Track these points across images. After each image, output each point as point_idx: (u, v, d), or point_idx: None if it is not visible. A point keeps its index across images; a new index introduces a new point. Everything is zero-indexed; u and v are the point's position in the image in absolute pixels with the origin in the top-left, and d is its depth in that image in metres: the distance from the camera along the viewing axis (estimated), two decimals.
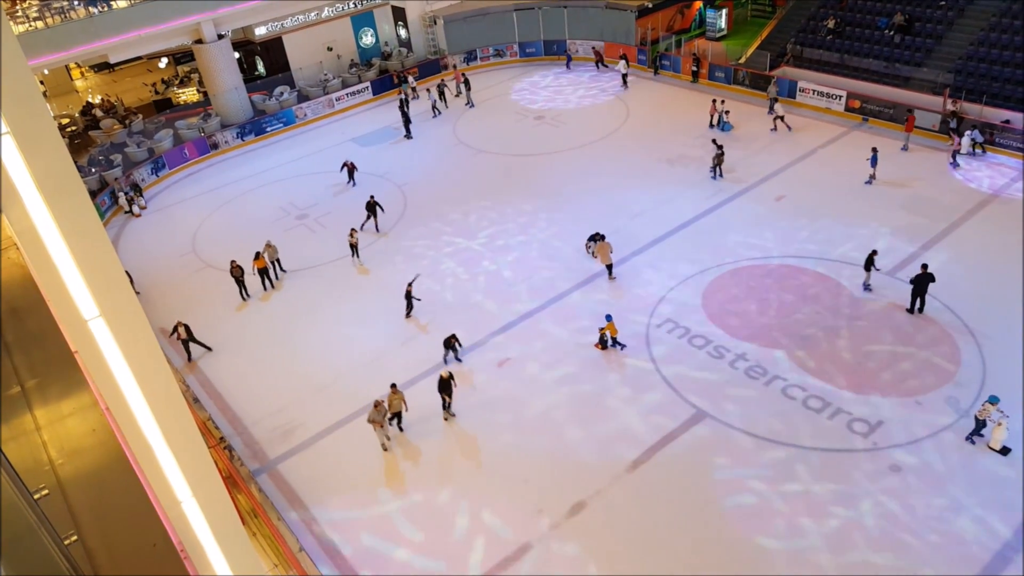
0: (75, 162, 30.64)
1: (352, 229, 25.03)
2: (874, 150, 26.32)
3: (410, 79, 38.22)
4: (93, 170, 31.96)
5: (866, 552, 14.19)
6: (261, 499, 16.13)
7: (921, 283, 19.57)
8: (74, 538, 5.83)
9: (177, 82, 44.89)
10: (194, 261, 26.57)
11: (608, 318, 19.96)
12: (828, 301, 20.94)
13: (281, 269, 24.67)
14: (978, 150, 27.24)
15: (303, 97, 38.21)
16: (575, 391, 18.84)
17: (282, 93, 38.17)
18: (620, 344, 19.89)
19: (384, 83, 39.24)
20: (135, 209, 30.23)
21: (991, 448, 15.82)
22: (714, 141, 28.14)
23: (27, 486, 5.21)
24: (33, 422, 7.05)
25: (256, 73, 41.41)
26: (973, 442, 16.05)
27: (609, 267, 22.81)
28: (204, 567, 7.83)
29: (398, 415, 17.81)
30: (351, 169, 30.32)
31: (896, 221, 24.04)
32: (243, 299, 23.73)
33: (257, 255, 23.75)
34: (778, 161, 28.47)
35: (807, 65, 34.26)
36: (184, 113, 38.87)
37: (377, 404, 17.05)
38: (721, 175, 27.57)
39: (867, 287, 20.95)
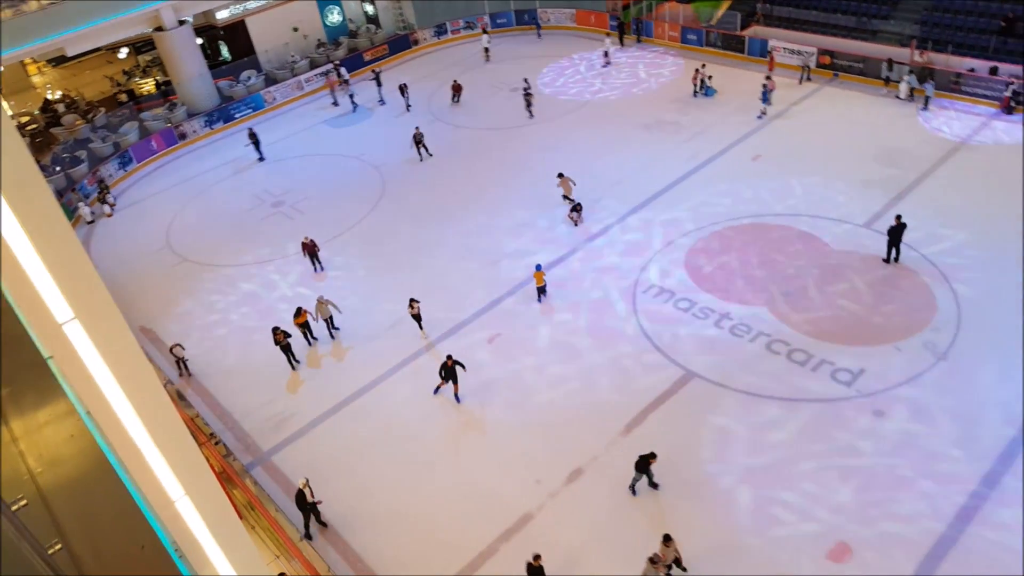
0: (38, 161, 30.15)
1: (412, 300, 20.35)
2: (764, 87, 28.07)
3: (342, 71, 36.66)
4: (58, 168, 31.22)
5: (853, 494, 14.50)
6: (257, 492, 16.13)
7: (896, 233, 19.79)
8: (58, 546, 5.77)
9: (139, 72, 43.87)
10: (169, 256, 26.22)
11: (538, 267, 20.58)
12: (807, 256, 21.12)
13: (334, 327, 20.82)
14: (921, 98, 27.46)
15: (271, 80, 37.54)
16: (564, 359, 18.95)
17: (249, 78, 37.46)
18: (543, 290, 20.65)
19: (355, 61, 38.55)
20: (105, 208, 29.61)
21: None
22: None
23: (4, 498, 5.12)
24: (9, 433, 6.94)
25: (221, 59, 40.59)
26: None
27: (572, 203, 23.62)
28: (202, 565, 7.82)
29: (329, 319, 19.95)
30: (254, 139, 30.31)
31: (869, 174, 24.19)
32: (292, 368, 19.97)
33: (299, 311, 20.21)
34: (754, 121, 28.47)
35: (778, 24, 34.10)
36: (149, 104, 38.06)
37: None
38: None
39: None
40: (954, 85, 27.91)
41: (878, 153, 25.25)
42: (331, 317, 20.51)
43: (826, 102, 29.29)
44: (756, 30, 34.44)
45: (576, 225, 23.88)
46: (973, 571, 13.03)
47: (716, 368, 17.94)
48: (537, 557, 13.39)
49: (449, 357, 17.58)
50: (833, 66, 30.94)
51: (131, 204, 30.32)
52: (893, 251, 20.10)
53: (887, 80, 29.06)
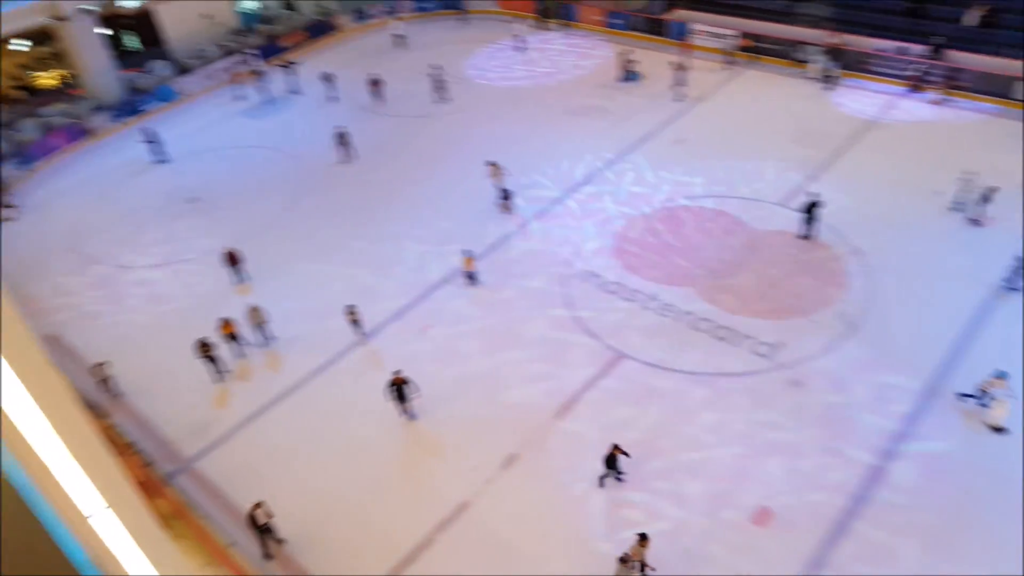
0: None
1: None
2: (679, 71, 29.04)
3: (256, 60, 35.30)
4: None
5: (778, 459, 15.12)
6: (181, 500, 15.58)
7: (810, 210, 20.59)
8: None
9: (40, 66, 41.25)
10: (79, 259, 24.88)
11: (466, 253, 20.83)
12: (729, 236, 21.77)
13: (266, 336, 19.75)
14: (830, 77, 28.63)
15: (182, 71, 35.96)
16: (496, 345, 19.00)
17: (158, 69, 35.78)
18: (473, 276, 20.76)
19: (272, 49, 37.31)
20: (5, 212, 27.75)
21: (988, 424, 15.21)
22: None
23: None
24: None
25: (127, 48, 38.59)
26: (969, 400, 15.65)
27: (502, 191, 23.68)
28: None
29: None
30: (152, 139, 29.21)
31: (787, 154, 25.07)
32: (220, 379, 19.00)
33: (225, 321, 19.24)
34: (677, 105, 29.04)
35: (701, 7, 34.72)
36: (50, 99, 35.86)
37: None
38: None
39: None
40: (864, 65, 29.14)
41: (795, 134, 26.16)
42: (263, 324, 19.66)
43: (747, 85, 30.12)
44: (678, 14, 35.05)
45: (507, 212, 23.88)
46: (885, 533, 13.77)
47: (646, 348, 18.31)
48: (397, 373, 15.64)
49: (397, 375, 16.68)
50: (754, 49, 31.76)
51: (36, 206, 28.60)
52: (808, 227, 20.91)
53: (802, 62, 30.08)
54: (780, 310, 18.90)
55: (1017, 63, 26.20)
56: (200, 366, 18.89)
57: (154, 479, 15.97)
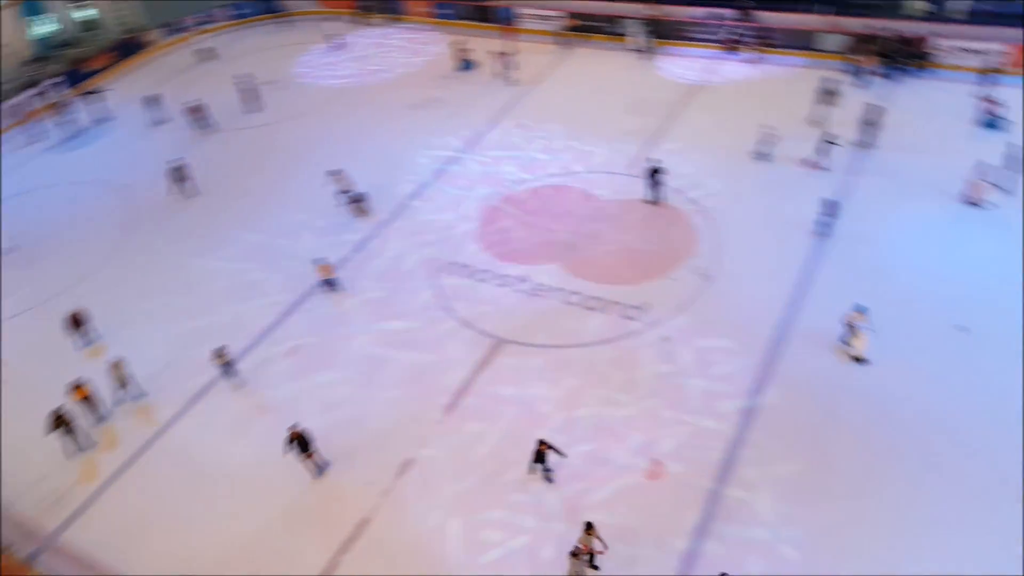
0: None
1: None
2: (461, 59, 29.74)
3: (61, 89, 32.50)
4: None
5: (666, 409, 15.86)
6: None
7: (654, 175, 21.62)
8: None
9: None
10: None
11: (320, 260, 20.29)
12: (584, 210, 22.46)
13: (132, 392, 17.93)
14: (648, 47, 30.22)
15: None
16: (372, 349, 18.57)
17: None
18: (333, 283, 20.29)
19: (76, 75, 34.03)
20: None
21: (851, 355, 16.33)
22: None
23: None
24: None
25: None
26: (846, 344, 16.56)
27: (352, 196, 23.13)
28: None
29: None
30: None
31: (624, 125, 26.14)
32: (79, 449, 16.90)
33: (77, 385, 17.16)
34: (517, 92, 29.46)
35: None
36: None
37: None
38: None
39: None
40: (683, 33, 30.85)
41: (628, 105, 27.33)
42: (126, 380, 17.80)
43: (577, 63, 31.11)
44: None
45: (362, 215, 23.30)
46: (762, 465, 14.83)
47: (523, 330, 18.56)
48: (293, 427, 14.75)
49: (293, 429, 15.22)
50: (581, 28, 32.73)
51: None
52: (654, 192, 21.95)
53: (623, 36, 31.36)
54: (641, 273, 19.76)
55: (819, 18, 28.67)
56: (53, 439, 16.90)
57: (13, 564, 14.27)
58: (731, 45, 29.78)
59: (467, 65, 31.27)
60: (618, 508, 14.21)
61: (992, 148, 21.52)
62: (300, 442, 15.25)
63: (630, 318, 18.43)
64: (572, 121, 26.88)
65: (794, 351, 16.97)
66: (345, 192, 23.36)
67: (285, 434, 15.25)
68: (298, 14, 38.45)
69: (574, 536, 13.10)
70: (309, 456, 15.33)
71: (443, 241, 21.98)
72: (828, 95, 24.75)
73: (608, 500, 14.44)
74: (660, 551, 13.53)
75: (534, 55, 31.51)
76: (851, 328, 16.18)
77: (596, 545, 12.76)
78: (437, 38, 34.60)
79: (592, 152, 25.01)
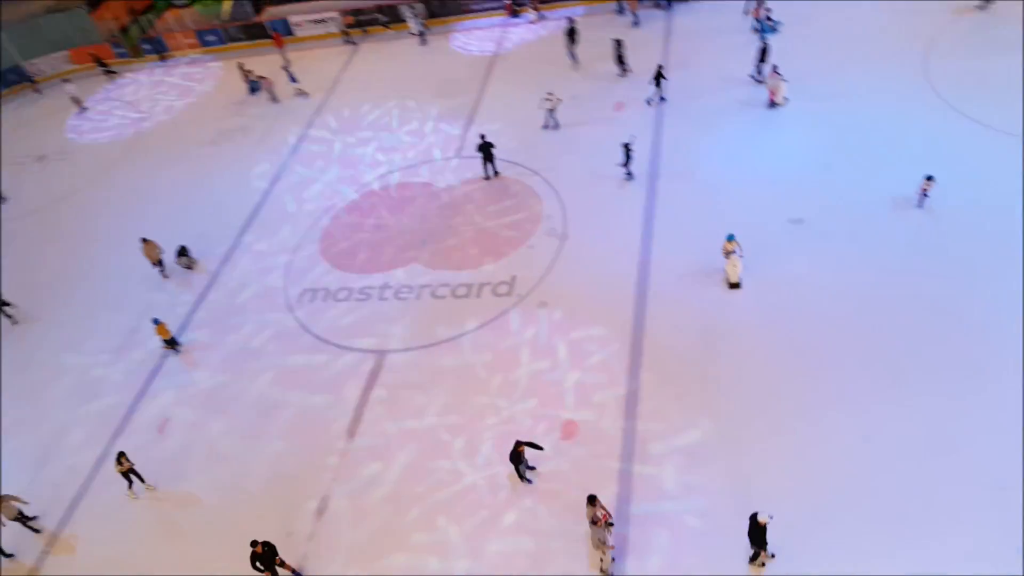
0: None
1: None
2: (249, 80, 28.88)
3: None
4: None
5: (549, 371, 16.25)
6: None
7: (485, 151, 21.80)
8: None
9: None
10: None
11: (155, 321, 18.92)
12: (426, 202, 22.23)
13: (30, 522, 15.89)
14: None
15: None
16: (251, 404, 17.49)
17: None
18: (173, 342, 19.11)
19: None
20: None
21: (728, 282, 16.98)
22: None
23: None
24: None
25: None
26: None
27: (159, 263, 21.40)
28: None
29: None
30: None
31: (439, 109, 26.09)
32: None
33: None
34: (316, 100, 28.46)
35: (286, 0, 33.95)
36: None
37: None
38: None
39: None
40: (465, 7, 31.03)
41: (436, 88, 27.21)
42: (21, 513, 15.59)
43: (368, 59, 30.49)
44: (271, 12, 33.98)
45: (190, 269, 21.62)
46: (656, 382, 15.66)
47: (402, 336, 18.20)
48: (255, 544, 13.19)
49: (256, 545, 13.31)
50: (359, 23, 31.99)
51: None
52: (489, 167, 22.16)
53: (403, 22, 30.86)
54: (499, 249, 19.94)
55: None
56: None
57: None
58: (511, 9, 30.39)
59: (256, 86, 29.66)
60: (522, 534, 13.84)
61: (773, 51, 23.11)
62: (265, 557, 13.31)
63: (502, 295, 18.56)
64: (384, 116, 26.40)
65: (659, 289, 17.70)
66: (157, 263, 21.47)
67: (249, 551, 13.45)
68: (49, 79, 34.35)
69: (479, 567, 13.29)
70: (281, 565, 13.61)
71: (289, 271, 20.91)
72: (570, 35, 25.75)
73: (515, 523, 14.04)
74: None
75: (324, 61, 30.53)
76: (727, 256, 16.66)
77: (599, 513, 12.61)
78: (215, 66, 32.52)
79: (415, 143, 24.74)
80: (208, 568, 14.38)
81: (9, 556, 15.56)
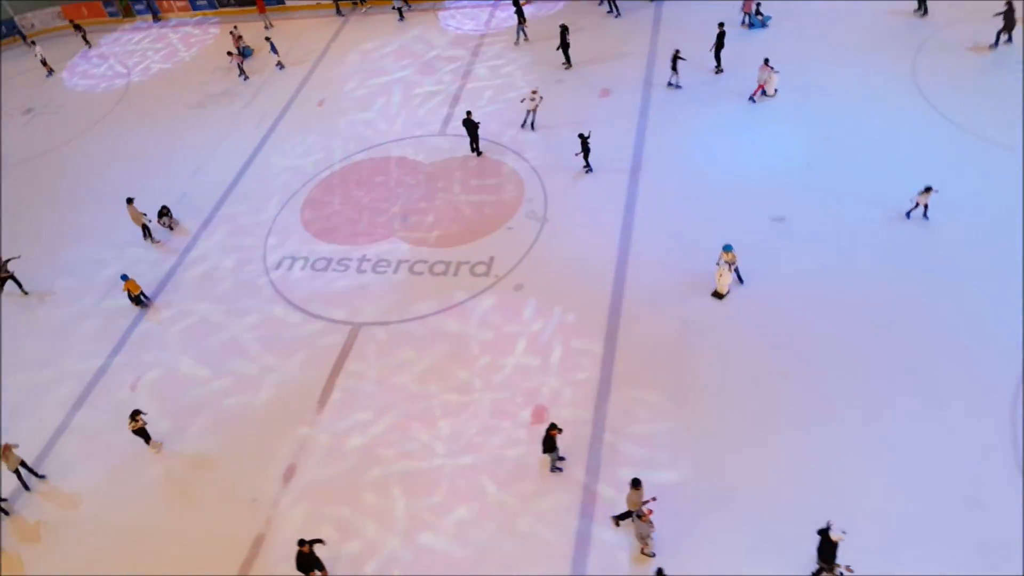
0: None
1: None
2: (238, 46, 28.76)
3: None
4: None
5: (534, 358, 16.54)
6: None
7: (470, 128, 21.91)
8: None
9: None
10: None
11: (123, 277, 19.24)
12: (408, 178, 22.33)
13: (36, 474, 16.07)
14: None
15: None
16: (229, 364, 17.67)
17: None
18: (142, 298, 19.41)
19: None
20: None
21: (716, 292, 16.81)
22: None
23: None
24: None
25: None
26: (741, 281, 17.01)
27: (144, 228, 21.38)
28: None
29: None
30: None
31: (424, 86, 26.07)
32: None
33: None
34: (303, 70, 28.33)
35: None
36: None
37: None
38: None
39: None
40: None
41: (422, 66, 27.20)
42: (23, 462, 15.72)
43: (359, 32, 30.32)
44: None
45: (171, 230, 21.68)
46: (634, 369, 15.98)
47: (378, 310, 18.38)
48: (554, 427, 13.62)
49: (304, 544, 12.91)
50: None
51: None
52: (473, 144, 22.28)
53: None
54: (479, 229, 20.12)
55: None
56: None
57: None
58: None
59: (246, 52, 29.49)
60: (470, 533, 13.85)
61: (762, 45, 23.56)
62: (310, 560, 12.95)
63: (479, 275, 18.78)
64: (371, 91, 26.37)
65: (637, 280, 17.80)
66: (144, 227, 21.49)
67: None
68: (42, 32, 33.97)
69: (402, 554, 13.42)
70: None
71: (269, 238, 21.02)
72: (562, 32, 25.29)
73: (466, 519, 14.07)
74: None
75: (313, 31, 30.39)
76: (719, 266, 16.48)
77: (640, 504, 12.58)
78: (213, 31, 32.26)
79: (402, 117, 24.76)
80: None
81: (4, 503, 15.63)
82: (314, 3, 32.20)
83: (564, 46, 24.81)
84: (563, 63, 25.14)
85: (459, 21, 29.63)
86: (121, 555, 14.56)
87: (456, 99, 25.11)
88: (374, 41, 29.40)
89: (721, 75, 23.43)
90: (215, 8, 33.33)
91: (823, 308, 16.29)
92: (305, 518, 14.45)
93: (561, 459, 14.34)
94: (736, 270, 16.68)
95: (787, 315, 16.31)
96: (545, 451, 13.97)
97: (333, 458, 15.38)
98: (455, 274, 18.94)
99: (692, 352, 15.99)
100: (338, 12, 31.50)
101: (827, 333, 15.76)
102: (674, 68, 23.02)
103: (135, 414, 15.69)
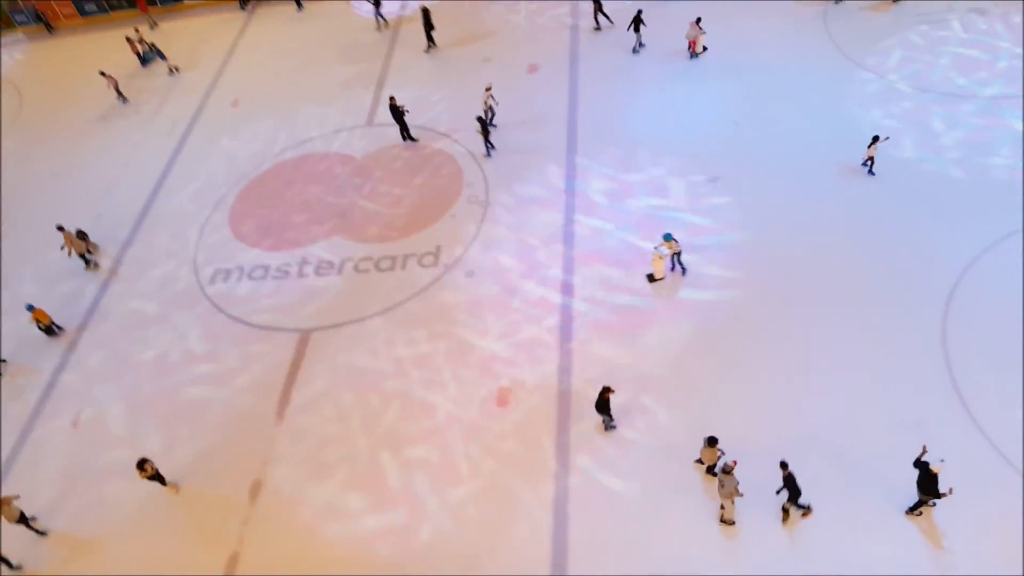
0: None
1: None
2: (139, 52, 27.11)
3: None
4: None
5: (500, 335, 16.26)
6: None
7: (396, 114, 21.16)
8: None
9: None
10: None
11: (29, 308, 18.01)
12: (341, 173, 21.52)
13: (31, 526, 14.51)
14: None
15: None
16: (183, 380, 16.74)
17: None
18: (51, 328, 18.35)
19: None
20: None
21: (651, 275, 16.82)
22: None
23: None
24: None
25: None
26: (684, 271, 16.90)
27: (83, 256, 19.88)
28: None
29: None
30: None
31: (344, 75, 25.17)
32: None
33: None
34: (211, 70, 26.94)
35: None
36: None
37: None
38: None
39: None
40: None
41: (338, 54, 26.25)
42: (23, 515, 14.23)
43: (264, 26, 29.03)
44: None
45: (91, 255, 20.24)
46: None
47: (324, 312, 17.71)
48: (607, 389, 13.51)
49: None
50: None
51: None
52: (404, 132, 21.62)
53: None
54: (421, 219, 19.57)
55: None
56: None
57: None
58: None
59: (147, 57, 27.80)
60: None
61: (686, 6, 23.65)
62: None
63: (427, 266, 18.28)
64: (289, 86, 25.28)
65: (586, 252, 17.90)
66: (84, 255, 20.01)
67: None
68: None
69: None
70: None
71: (197, 252, 19.93)
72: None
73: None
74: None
75: (218, 27, 28.92)
76: (656, 250, 16.41)
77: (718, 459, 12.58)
78: (100, 37, 30.24)
79: (327, 112, 23.83)
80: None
81: (16, 568, 14.25)
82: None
83: (427, 27, 24.28)
84: (427, 46, 24.60)
85: (371, 9, 28.60)
86: None
87: (380, 86, 24.32)
88: (283, 33, 28.20)
89: (644, 48, 23.43)
90: (107, 13, 31.22)
91: (764, 257, 16.77)
92: (274, 529, 13.91)
93: (612, 421, 14.14)
94: (679, 260, 16.63)
95: (732, 268, 16.69)
96: (599, 412, 13.85)
97: (298, 471, 14.77)
98: (403, 267, 18.39)
99: (645, 315, 16.13)
100: (241, 6, 30.03)
101: (769, 283, 16.22)
102: (636, 29, 22.73)
103: (142, 463, 14.21)
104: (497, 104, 21.63)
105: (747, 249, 17.05)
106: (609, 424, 14.26)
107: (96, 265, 20.04)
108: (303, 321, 17.61)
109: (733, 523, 12.63)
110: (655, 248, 16.47)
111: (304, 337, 17.28)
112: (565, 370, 15.47)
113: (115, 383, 17.12)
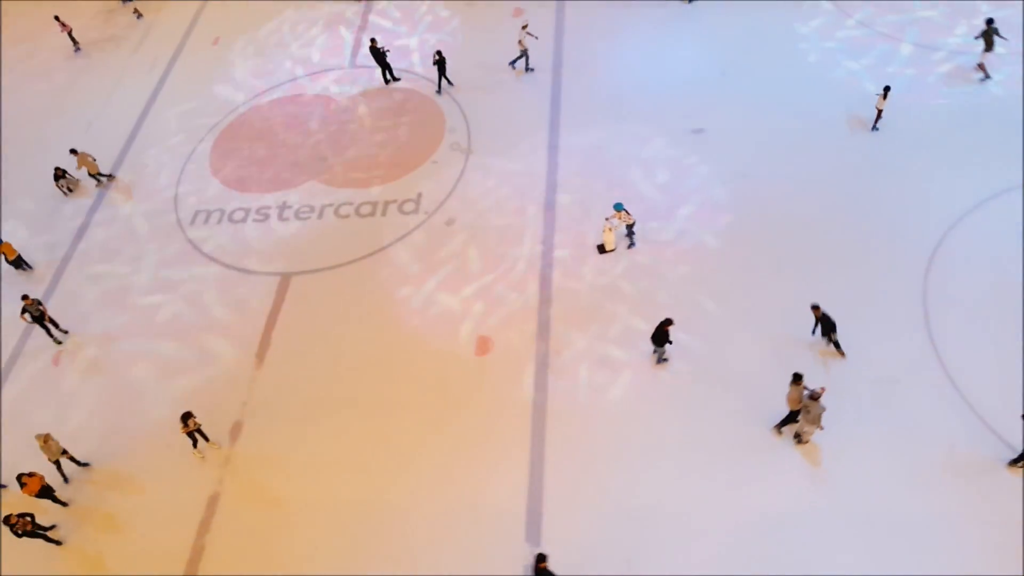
0: None
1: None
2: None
3: None
4: None
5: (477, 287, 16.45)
6: None
7: (377, 56, 20.88)
8: None
9: None
10: None
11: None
12: (321, 115, 21.29)
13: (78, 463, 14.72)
14: None
15: None
16: (165, 339, 16.87)
17: None
18: (22, 264, 18.28)
19: None
20: None
21: (601, 246, 16.64)
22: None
23: None
24: None
25: None
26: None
27: (96, 176, 19.98)
28: None
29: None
30: None
31: (321, 11, 24.67)
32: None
33: (23, 479, 13.63)
34: (192, 6, 26.29)
35: None
36: None
37: None
38: None
39: None
40: None
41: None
42: (64, 451, 14.42)
43: None
44: None
45: (71, 191, 20.16)
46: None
47: (305, 256, 17.78)
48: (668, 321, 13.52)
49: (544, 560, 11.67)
50: None
51: None
52: (386, 72, 21.35)
53: None
54: (403, 164, 19.48)
55: None
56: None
57: None
58: None
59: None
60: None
61: None
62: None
63: (409, 212, 18.28)
64: (267, 23, 24.75)
65: (568, 203, 17.86)
66: (96, 175, 20.02)
67: None
68: None
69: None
70: None
71: (178, 189, 19.85)
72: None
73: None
74: None
75: None
76: (607, 221, 16.19)
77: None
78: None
79: (307, 53, 23.40)
80: None
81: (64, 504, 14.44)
82: None
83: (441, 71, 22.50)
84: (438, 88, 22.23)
85: None
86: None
87: (362, 27, 23.82)
88: None
89: None
90: None
91: (748, 208, 16.90)
92: (253, 471, 14.30)
93: (665, 353, 14.18)
94: (631, 233, 16.43)
95: (713, 219, 16.83)
96: (657, 344, 13.85)
97: (276, 415, 15.08)
98: (383, 214, 18.40)
99: (628, 260, 16.30)
100: None
101: (750, 238, 16.39)
102: None
103: (186, 417, 14.14)
104: (536, 39, 21.00)
105: (729, 200, 17.14)
106: (662, 356, 14.32)
107: (111, 177, 20.24)
108: (282, 264, 17.69)
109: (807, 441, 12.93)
110: (606, 219, 16.24)
111: (284, 280, 17.39)
112: (544, 321, 15.68)
113: (96, 322, 17.30)
